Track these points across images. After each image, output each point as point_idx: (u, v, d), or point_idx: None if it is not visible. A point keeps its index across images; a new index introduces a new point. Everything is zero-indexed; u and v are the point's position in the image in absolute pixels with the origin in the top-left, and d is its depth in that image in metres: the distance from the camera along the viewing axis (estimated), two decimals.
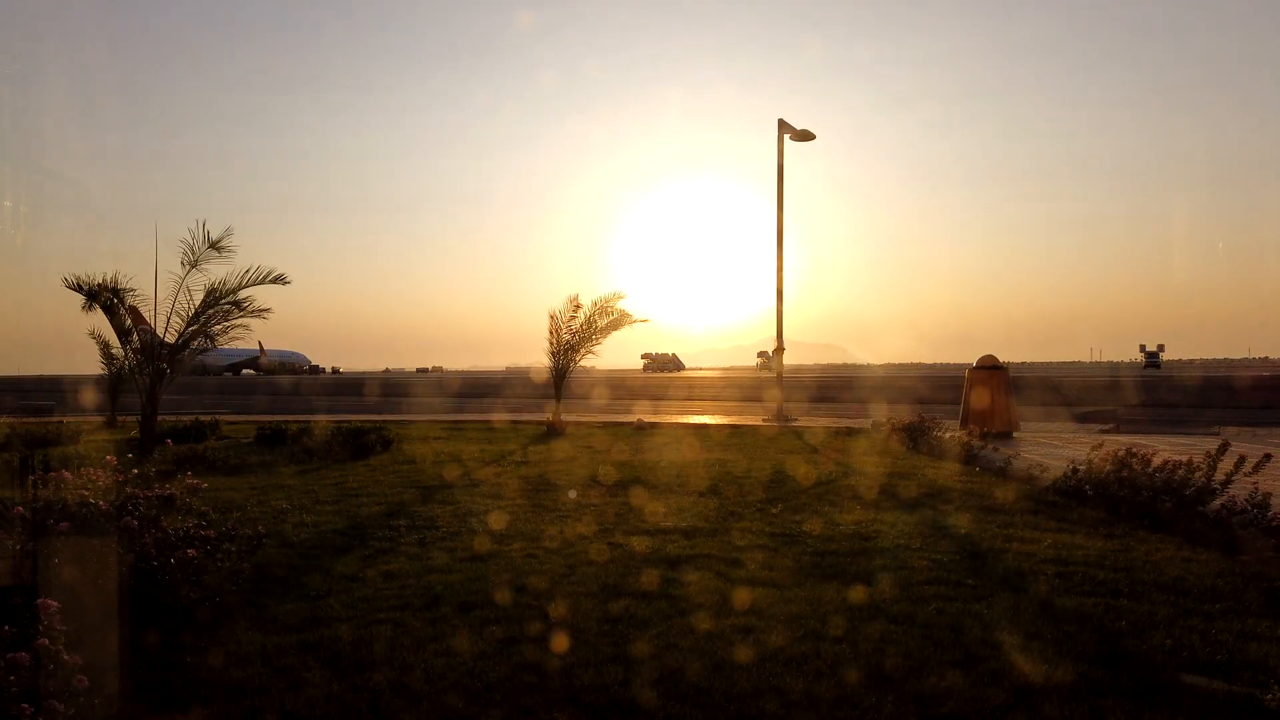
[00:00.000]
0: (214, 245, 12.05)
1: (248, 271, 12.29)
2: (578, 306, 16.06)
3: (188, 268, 12.05)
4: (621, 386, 34.32)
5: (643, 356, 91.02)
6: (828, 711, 3.17)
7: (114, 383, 16.41)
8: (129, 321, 13.03)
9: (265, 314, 12.68)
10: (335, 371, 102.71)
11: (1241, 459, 6.41)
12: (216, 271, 12.21)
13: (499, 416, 19.37)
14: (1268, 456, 6.53)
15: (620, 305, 16.10)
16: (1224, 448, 6.55)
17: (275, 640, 3.96)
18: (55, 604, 3.18)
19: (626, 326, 16.26)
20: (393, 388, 42.11)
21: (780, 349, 20.56)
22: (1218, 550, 5.45)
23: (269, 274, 12.42)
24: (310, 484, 8.77)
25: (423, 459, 10.90)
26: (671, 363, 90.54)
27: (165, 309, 12.34)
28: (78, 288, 12.28)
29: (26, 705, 2.67)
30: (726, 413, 21.00)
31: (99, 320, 13.10)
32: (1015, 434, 13.53)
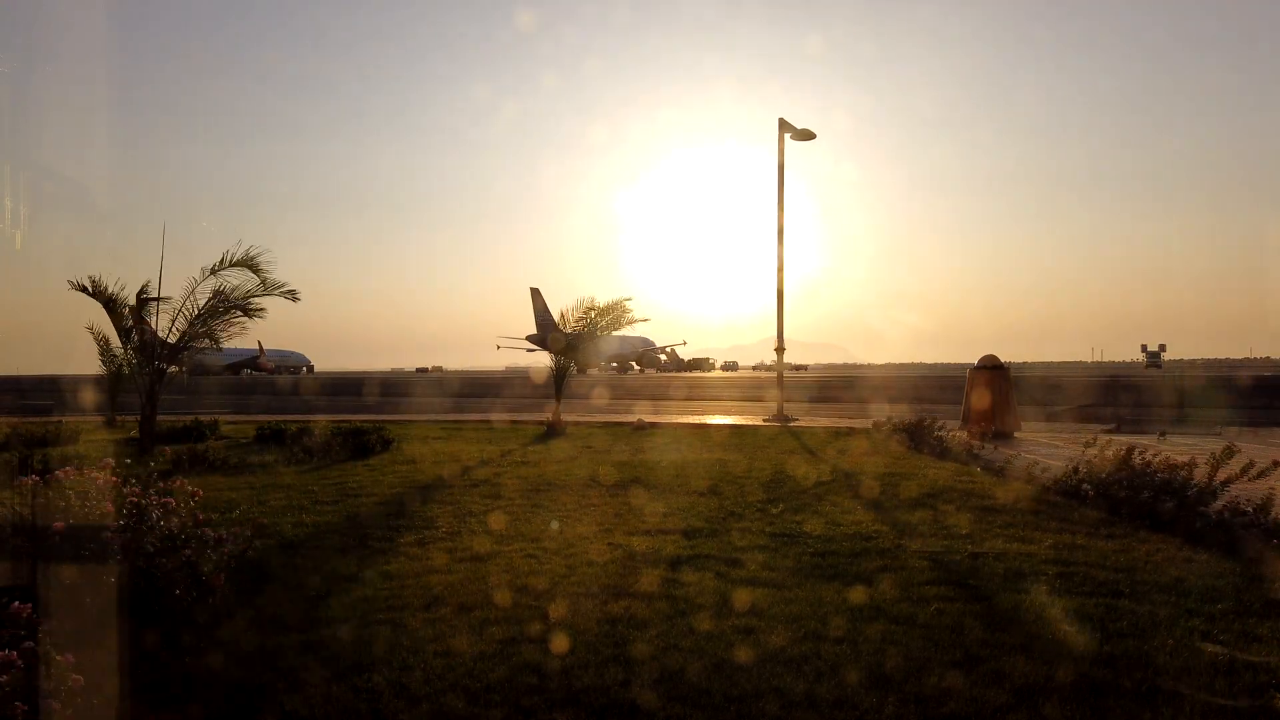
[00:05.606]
0: (248, 264, 12.28)
1: (262, 283, 12.47)
2: (590, 309, 16.16)
3: (207, 274, 12.31)
4: (621, 386, 34.32)
5: None
6: (828, 712, 3.16)
7: (113, 382, 16.38)
8: (129, 321, 13.05)
9: (260, 314, 12.90)
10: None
11: (1250, 463, 6.36)
12: (230, 280, 12.44)
13: (499, 416, 19.36)
14: (1276, 463, 6.40)
15: (627, 304, 16.29)
16: (1229, 451, 6.50)
17: (275, 640, 3.95)
18: (28, 607, 3.17)
19: (627, 327, 16.33)
20: (392, 388, 42.11)
21: (780, 349, 20.55)
22: (1219, 551, 5.43)
23: (281, 287, 12.66)
24: (309, 484, 8.76)
25: (422, 459, 10.89)
26: (673, 362, 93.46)
27: (166, 308, 12.44)
28: (84, 289, 12.41)
29: (20, 704, 2.66)
30: (726, 412, 20.98)
31: (99, 317, 13.21)
32: (1016, 434, 13.51)
